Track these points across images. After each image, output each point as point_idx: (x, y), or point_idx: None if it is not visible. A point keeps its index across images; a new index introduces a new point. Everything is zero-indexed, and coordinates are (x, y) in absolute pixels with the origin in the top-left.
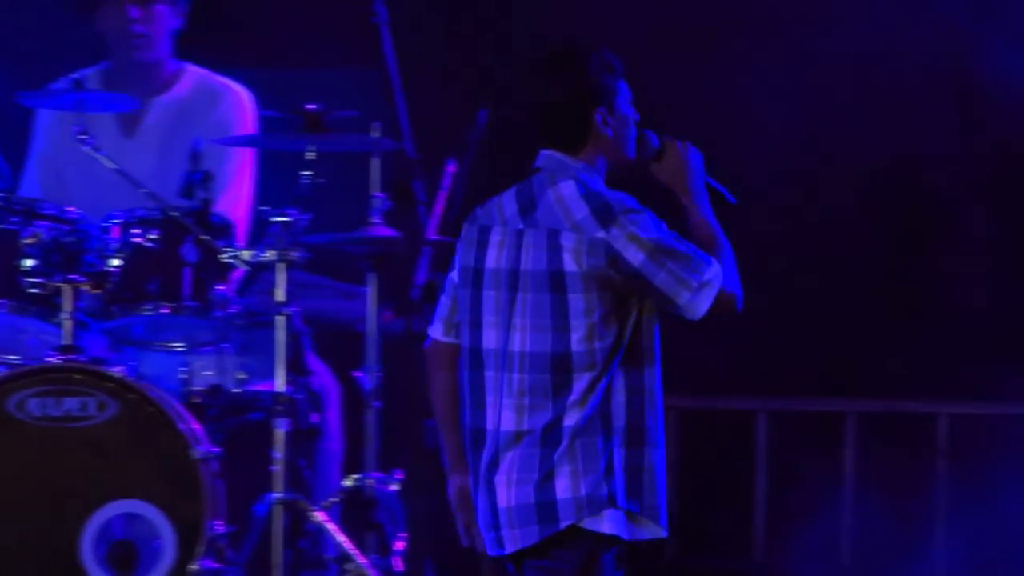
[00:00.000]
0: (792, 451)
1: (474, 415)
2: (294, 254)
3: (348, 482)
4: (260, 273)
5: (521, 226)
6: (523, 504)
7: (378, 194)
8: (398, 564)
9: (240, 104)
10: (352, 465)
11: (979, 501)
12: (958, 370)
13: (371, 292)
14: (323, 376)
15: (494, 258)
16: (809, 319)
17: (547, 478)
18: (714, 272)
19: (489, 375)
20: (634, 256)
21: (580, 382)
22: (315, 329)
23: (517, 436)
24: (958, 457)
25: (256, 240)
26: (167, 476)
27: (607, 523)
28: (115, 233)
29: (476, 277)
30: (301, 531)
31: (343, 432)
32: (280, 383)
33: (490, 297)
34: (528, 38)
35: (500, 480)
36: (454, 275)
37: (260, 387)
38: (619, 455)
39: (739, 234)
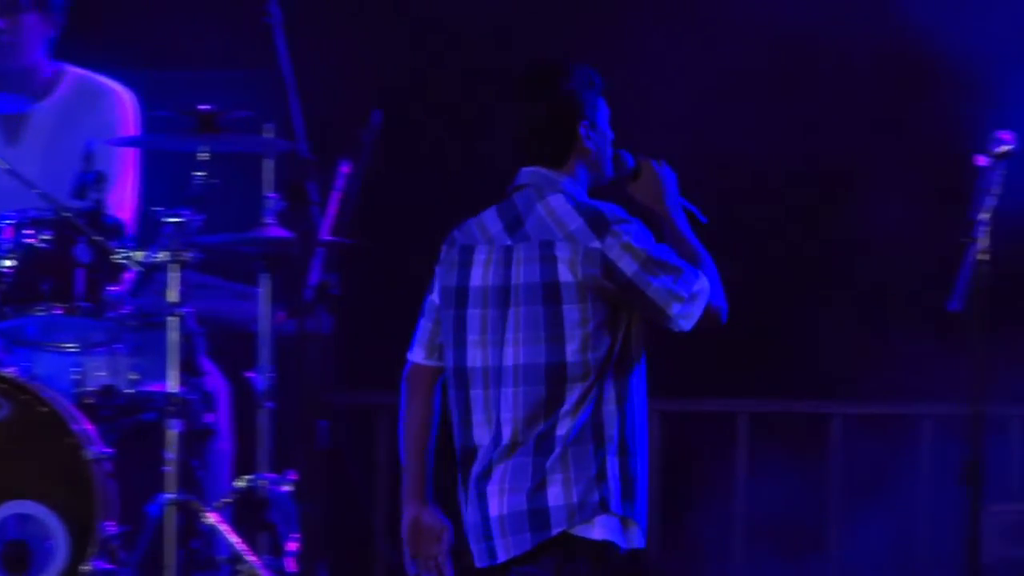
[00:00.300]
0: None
1: (463, 434)
2: (187, 255)
3: (241, 483)
4: (153, 274)
5: (509, 242)
6: (515, 512)
7: (271, 195)
8: (290, 565)
9: (122, 104)
10: (245, 466)
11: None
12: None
13: (264, 293)
14: (214, 377)
15: (480, 276)
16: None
17: (539, 486)
18: (702, 285)
19: (476, 394)
20: (628, 266)
21: (573, 392)
22: (208, 330)
23: (511, 448)
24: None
25: (149, 241)
26: (59, 477)
27: (598, 529)
28: (7, 234)
29: (460, 297)
30: (194, 532)
31: (233, 433)
32: (173, 384)
33: (475, 315)
34: (422, 38)
35: (492, 490)
36: (434, 298)
37: (153, 388)
38: (611, 463)
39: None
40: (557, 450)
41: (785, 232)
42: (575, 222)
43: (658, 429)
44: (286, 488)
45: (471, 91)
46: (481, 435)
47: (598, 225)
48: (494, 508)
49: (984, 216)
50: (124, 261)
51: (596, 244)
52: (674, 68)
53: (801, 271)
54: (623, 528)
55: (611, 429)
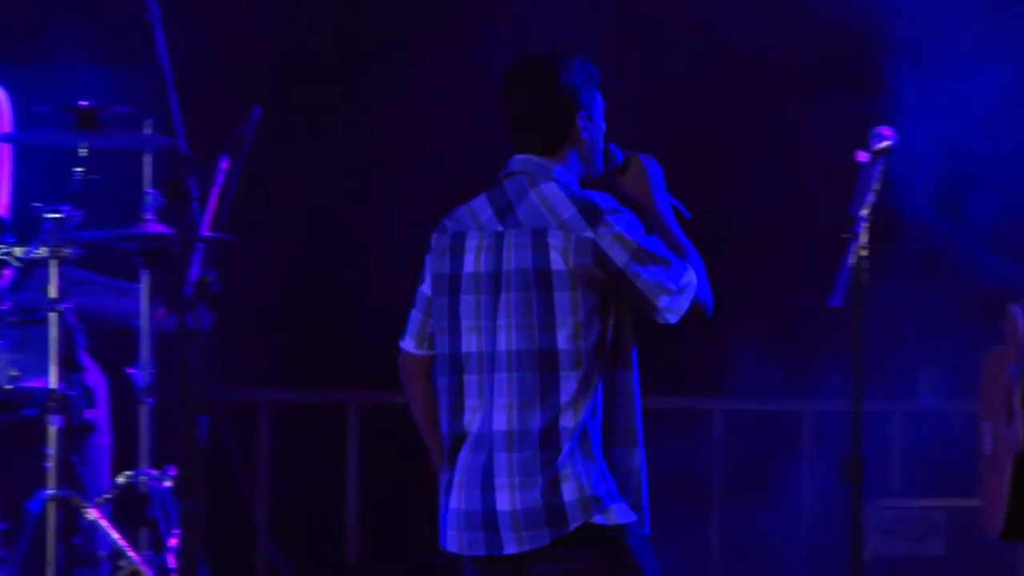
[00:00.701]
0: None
1: (452, 420)
2: (67, 251)
3: (121, 479)
4: (33, 270)
5: (500, 228)
6: (530, 508)
7: (151, 191)
8: (171, 561)
9: None
10: (125, 462)
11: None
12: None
13: (144, 288)
14: (94, 372)
15: (472, 262)
16: None
17: (552, 482)
18: (690, 278)
19: (470, 379)
20: (619, 256)
21: (568, 381)
22: (88, 325)
23: (510, 436)
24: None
25: (28, 237)
26: None
27: (614, 515)
28: None
29: (453, 283)
30: (74, 528)
31: (112, 428)
32: (53, 380)
33: (469, 301)
34: (302, 34)
35: (501, 483)
36: (424, 288)
37: (33, 384)
38: (618, 454)
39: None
40: (566, 445)
41: None
42: (568, 211)
43: None
44: (167, 484)
45: (352, 87)
46: (471, 420)
47: (591, 214)
48: (504, 502)
49: (864, 212)
50: (3, 257)
51: (588, 233)
52: None
53: None
54: (632, 511)
55: (616, 421)
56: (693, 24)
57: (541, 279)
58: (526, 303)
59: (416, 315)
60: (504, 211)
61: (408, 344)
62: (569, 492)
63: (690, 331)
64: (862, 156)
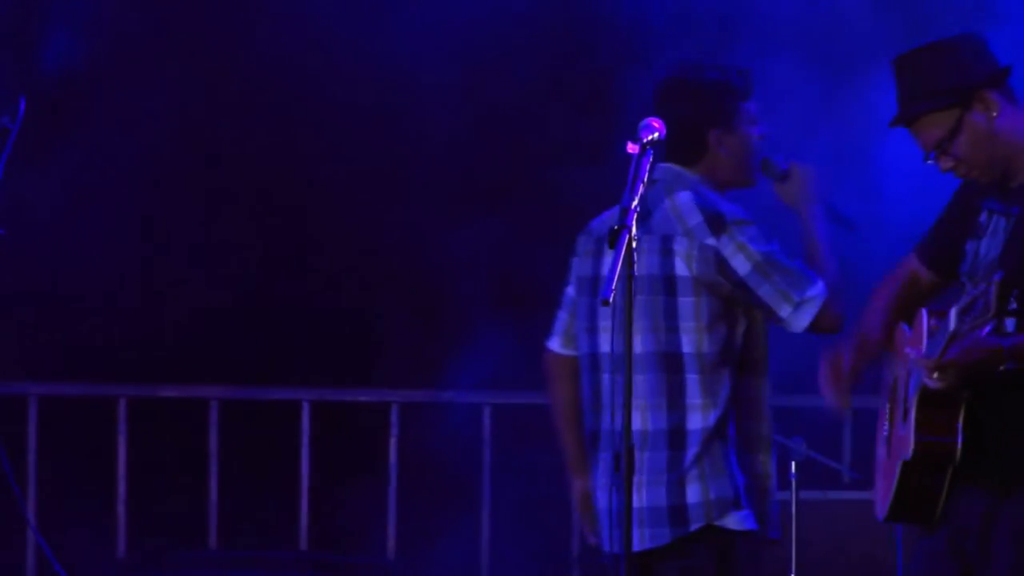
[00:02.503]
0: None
1: (593, 417)
2: None
3: None
4: None
5: (637, 234)
6: (655, 506)
7: None
8: None
9: None
10: None
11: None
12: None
13: None
14: None
15: (610, 265)
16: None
17: (678, 482)
18: (818, 290)
19: (606, 377)
20: (741, 265)
21: (694, 384)
22: None
23: (642, 436)
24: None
25: None
26: None
27: (735, 520)
28: None
29: (593, 285)
30: None
31: None
32: None
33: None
34: (71, 24)
35: (633, 480)
36: (570, 289)
37: None
38: (746, 460)
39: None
40: (692, 447)
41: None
42: (695, 218)
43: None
44: None
45: (124, 78)
46: (609, 419)
47: (716, 223)
48: (634, 499)
49: (634, 204)
50: None
51: (711, 241)
52: None
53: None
54: (757, 519)
55: (747, 426)
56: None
57: (667, 284)
58: (654, 306)
59: (562, 316)
60: (643, 217)
61: (554, 344)
62: (693, 494)
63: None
64: (631, 147)
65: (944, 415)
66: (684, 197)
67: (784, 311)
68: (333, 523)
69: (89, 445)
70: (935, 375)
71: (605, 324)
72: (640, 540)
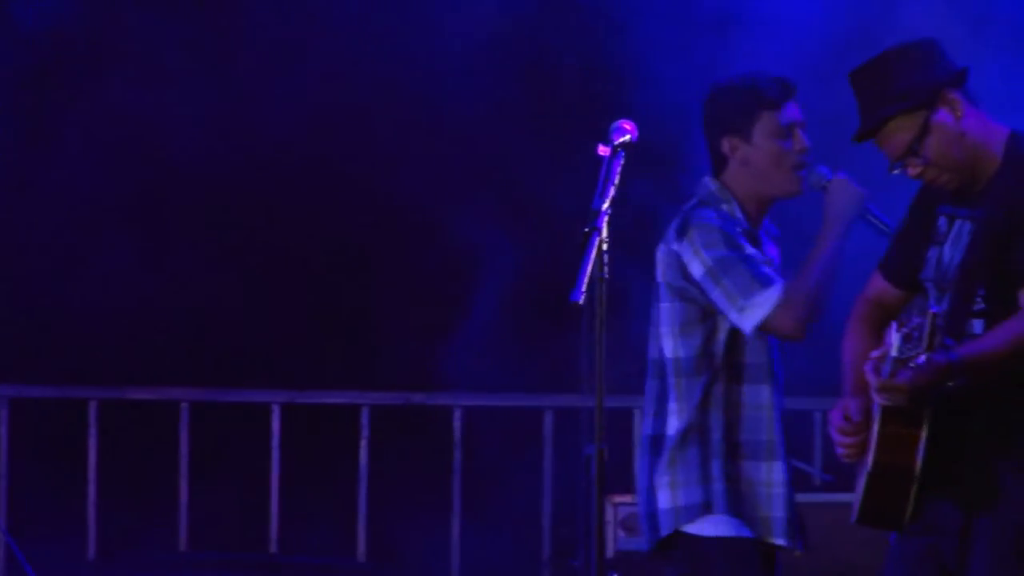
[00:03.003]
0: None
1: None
2: None
3: None
4: None
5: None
6: (641, 512)
7: None
8: None
9: None
10: None
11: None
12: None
13: None
14: None
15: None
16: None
17: (651, 489)
18: (767, 295)
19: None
20: (696, 269)
21: (673, 390)
22: None
23: (640, 441)
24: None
25: None
26: None
27: (706, 526)
28: None
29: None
30: None
31: None
32: None
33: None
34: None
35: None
36: None
37: None
38: (715, 465)
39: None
40: (665, 452)
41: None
42: (672, 225)
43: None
44: None
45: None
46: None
47: (681, 227)
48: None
49: (605, 206)
50: None
51: (675, 246)
52: None
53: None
54: (750, 526)
55: (716, 433)
56: None
57: (656, 291)
58: (654, 315)
59: None
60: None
61: None
62: (664, 500)
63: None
64: (602, 150)
65: (906, 432)
66: (689, 205)
67: (732, 314)
68: (304, 525)
69: (60, 447)
70: (884, 396)
71: (653, 330)
72: (640, 545)
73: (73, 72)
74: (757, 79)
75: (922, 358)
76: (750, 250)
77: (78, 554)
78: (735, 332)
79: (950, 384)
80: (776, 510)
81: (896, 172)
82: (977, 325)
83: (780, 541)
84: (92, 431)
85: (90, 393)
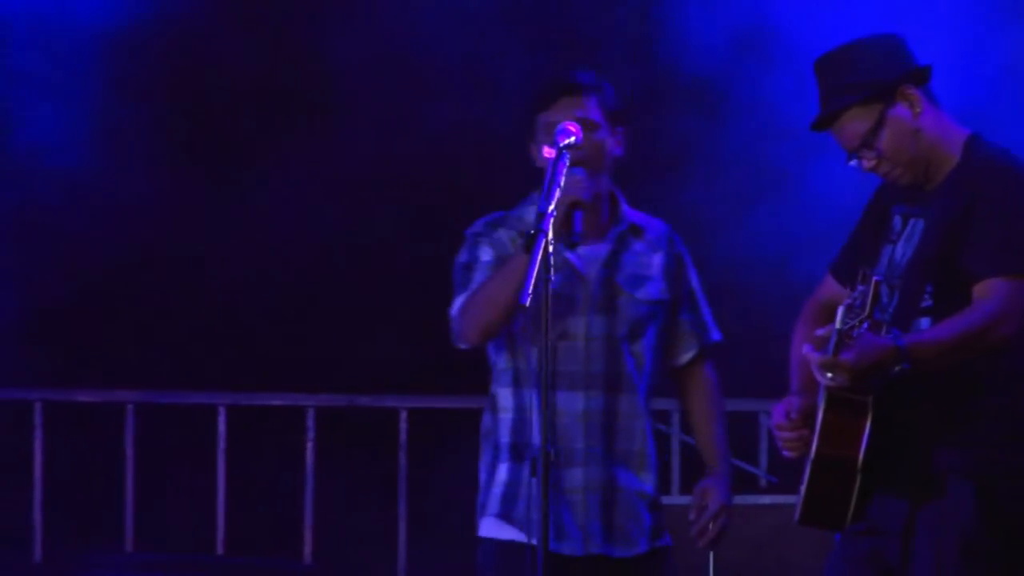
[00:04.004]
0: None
1: None
2: None
3: None
4: None
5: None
6: None
7: None
8: None
9: None
10: None
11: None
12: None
13: None
14: None
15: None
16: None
17: None
18: (455, 304)
19: None
20: None
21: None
22: None
23: None
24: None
25: None
26: None
27: (483, 527)
28: None
29: None
30: None
31: None
32: None
33: None
34: None
35: None
36: None
37: None
38: (500, 469)
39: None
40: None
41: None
42: None
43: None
44: None
45: None
46: None
47: None
48: None
49: (551, 209)
50: None
51: None
52: None
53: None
54: (497, 525)
55: (500, 437)
56: None
57: None
58: None
59: None
60: None
61: None
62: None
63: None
64: (548, 152)
65: (849, 422)
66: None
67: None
68: (250, 527)
69: (4, 450)
70: (828, 375)
71: None
72: None
73: None
74: (542, 83)
75: (865, 324)
76: (485, 257)
77: (23, 556)
78: (501, 337)
79: (896, 369)
80: (562, 516)
81: (852, 164)
82: (924, 323)
83: (558, 547)
84: (38, 433)
85: (35, 395)
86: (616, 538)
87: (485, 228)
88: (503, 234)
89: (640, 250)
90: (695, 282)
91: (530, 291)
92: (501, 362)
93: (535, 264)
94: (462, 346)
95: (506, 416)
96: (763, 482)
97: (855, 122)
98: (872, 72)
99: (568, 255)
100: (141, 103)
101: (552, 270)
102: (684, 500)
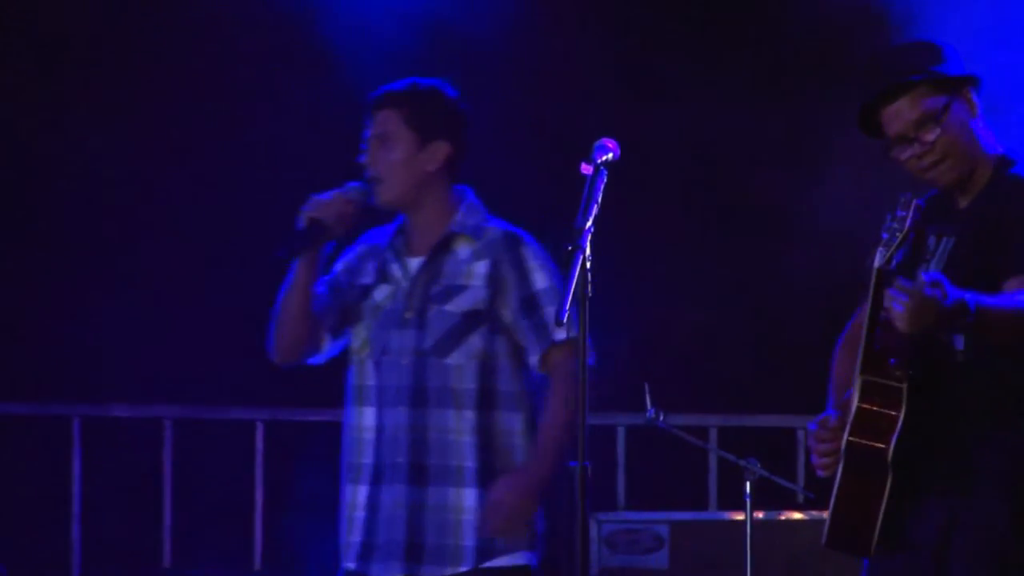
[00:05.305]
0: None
1: None
2: None
3: None
4: None
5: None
6: None
7: None
8: None
9: None
10: None
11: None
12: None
13: None
14: None
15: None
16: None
17: None
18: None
19: None
20: None
21: None
22: None
23: None
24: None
25: None
26: None
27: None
28: None
29: None
30: None
31: None
32: None
33: None
34: None
35: None
36: None
37: None
38: (345, 491)
39: None
40: None
41: None
42: None
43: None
44: None
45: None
46: None
47: None
48: None
49: (589, 224)
50: None
51: None
52: None
53: None
54: (340, 550)
55: (343, 456)
56: None
57: None
58: None
59: None
60: None
61: None
62: None
63: None
64: (585, 168)
65: (882, 412)
66: None
67: None
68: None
69: (44, 466)
70: (893, 296)
71: None
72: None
73: None
74: None
75: (935, 273)
76: (337, 267)
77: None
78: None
79: (956, 324)
80: (354, 535)
81: (893, 154)
82: (958, 340)
83: (349, 564)
84: (76, 449)
85: (74, 411)
86: (425, 558)
87: (367, 238)
88: (360, 244)
89: (464, 258)
90: (543, 284)
91: (568, 307)
92: (349, 380)
93: (573, 280)
94: (278, 363)
95: (348, 436)
96: (801, 498)
97: (925, 99)
98: (943, 65)
99: (393, 268)
100: None
101: (590, 286)
102: (723, 516)
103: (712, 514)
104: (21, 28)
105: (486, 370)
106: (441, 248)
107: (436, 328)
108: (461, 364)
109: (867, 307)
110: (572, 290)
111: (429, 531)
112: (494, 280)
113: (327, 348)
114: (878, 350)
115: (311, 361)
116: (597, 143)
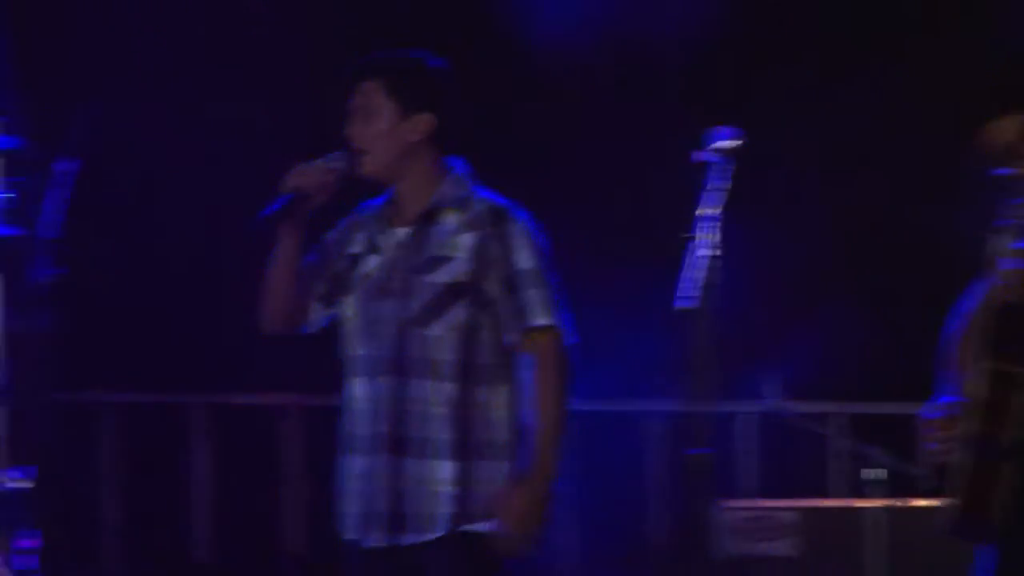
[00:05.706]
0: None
1: None
2: None
3: None
4: None
5: None
6: None
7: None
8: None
9: None
10: None
11: None
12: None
13: None
14: None
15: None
16: None
17: None
18: None
19: None
20: None
21: None
22: None
23: None
24: None
25: None
26: None
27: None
28: None
29: None
30: None
31: None
32: None
33: None
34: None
35: None
36: None
37: None
38: (342, 463)
39: None
40: None
41: None
42: None
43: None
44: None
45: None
46: None
47: None
48: None
49: (711, 212)
50: None
51: None
52: None
53: None
54: (336, 520)
55: (343, 427)
56: None
57: None
58: None
59: None
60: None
61: None
62: None
63: None
64: (700, 156)
65: (1003, 397)
66: None
67: None
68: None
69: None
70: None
71: None
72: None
73: None
74: None
75: None
76: (329, 236)
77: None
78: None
79: None
80: (348, 506)
81: (999, 172)
82: None
83: (350, 536)
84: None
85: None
86: (408, 526)
87: (358, 210)
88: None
89: (450, 230)
90: (526, 264)
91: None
92: (344, 352)
93: (694, 268)
94: (270, 333)
95: (343, 407)
96: (923, 485)
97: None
98: None
99: (380, 239)
100: None
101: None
102: (849, 503)
103: (838, 501)
104: None
105: (467, 342)
106: (426, 219)
107: (419, 298)
108: (441, 335)
109: (990, 294)
110: (693, 277)
111: (408, 501)
112: (479, 253)
113: (319, 318)
114: (1005, 337)
115: (303, 330)
116: (716, 130)
